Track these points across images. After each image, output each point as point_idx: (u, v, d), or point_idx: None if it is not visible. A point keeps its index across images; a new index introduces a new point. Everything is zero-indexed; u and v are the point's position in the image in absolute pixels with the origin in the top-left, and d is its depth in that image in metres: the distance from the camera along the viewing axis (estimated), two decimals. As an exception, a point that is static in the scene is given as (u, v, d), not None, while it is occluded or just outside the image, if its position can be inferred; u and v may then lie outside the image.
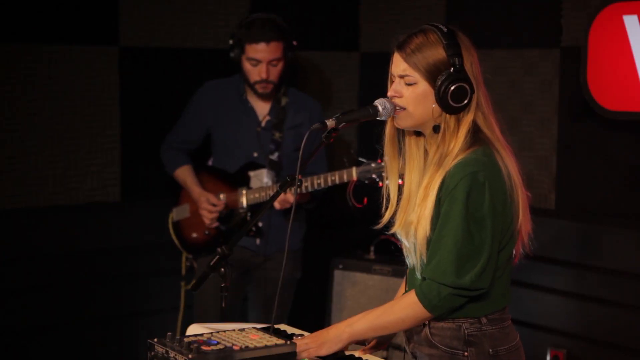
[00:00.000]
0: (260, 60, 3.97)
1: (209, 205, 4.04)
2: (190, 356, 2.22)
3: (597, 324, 4.05)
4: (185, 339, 2.33)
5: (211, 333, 2.43)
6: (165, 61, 4.46)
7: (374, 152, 2.58)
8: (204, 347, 2.27)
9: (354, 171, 3.76)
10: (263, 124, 4.11)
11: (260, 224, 4.07)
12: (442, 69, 2.36)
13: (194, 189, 4.11)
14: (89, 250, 4.33)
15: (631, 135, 3.91)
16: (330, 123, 2.42)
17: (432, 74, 2.37)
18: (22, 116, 4.10)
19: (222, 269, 2.61)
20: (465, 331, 2.41)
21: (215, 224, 4.07)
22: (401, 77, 2.41)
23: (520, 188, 2.40)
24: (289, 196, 3.92)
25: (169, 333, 2.34)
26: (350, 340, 2.44)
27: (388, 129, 2.50)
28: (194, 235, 4.17)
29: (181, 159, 4.19)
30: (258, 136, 4.10)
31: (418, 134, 2.48)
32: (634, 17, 3.69)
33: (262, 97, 4.08)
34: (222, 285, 2.63)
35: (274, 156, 4.08)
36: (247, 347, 2.31)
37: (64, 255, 4.26)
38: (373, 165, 3.71)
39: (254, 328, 2.50)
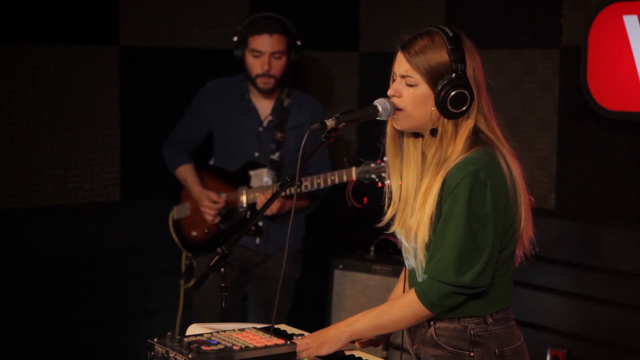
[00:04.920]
0: (263, 51, 3.98)
1: (209, 202, 4.05)
2: (190, 356, 2.22)
3: (597, 324, 4.05)
4: (185, 339, 2.33)
5: (211, 333, 2.43)
6: (165, 61, 4.46)
7: (374, 152, 2.59)
8: (204, 347, 2.27)
9: (354, 171, 3.76)
10: (265, 123, 4.12)
11: (260, 224, 4.08)
12: (444, 73, 2.36)
13: (195, 187, 4.11)
14: (89, 250, 4.33)
15: (631, 135, 3.91)
16: (329, 123, 2.42)
17: (433, 78, 2.37)
18: (22, 116, 4.10)
19: (222, 269, 2.62)
20: (472, 331, 2.41)
21: (218, 219, 4.08)
22: (403, 77, 2.41)
23: (524, 192, 2.40)
24: (276, 202, 3.92)
25: (169, 333, 2.34)
26: (350, 339, 2.45)
27: (389, 129, 2.50)
28: (194, 233, 4.18)
29: (182, 157, 4.20)
30: (259, 136, 4.10)
31: (416, 135, 2.48)
32: (634, 17, 3.69)
33: (263, 93, 4.07)
34: (222, 285, 2.63)
35: (275, 156, 4.08)
36: (247, 347, 2.31)
37: (64, 255, 4.26)
38: (372, 165, 3.71)
39: (254, 328, 2.50)
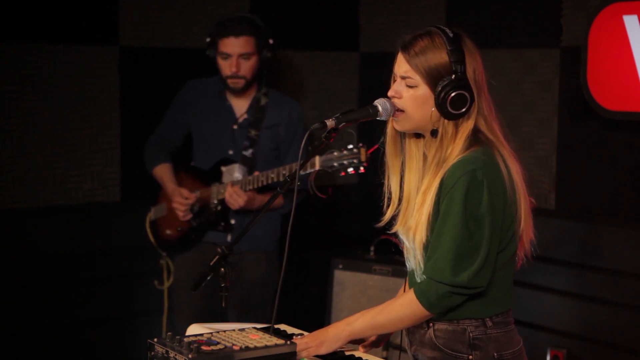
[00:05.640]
0: (230, 53, 3.97)
1: (181, 198, 4.04)
2: (190, 356, 2.22)
3: (597, 324, 4.05)
4: (185, 339, 2.33)
5: (211, 333, 2.43)
6: (165, 61, 4.46)
7: (373, 152, 2.58)
8: (204, 347, 2.27)
9: (317, 160, 3.71)
10: (240, 121, 4.10)
11: (232, 221, 4.04)
12: (444, 74, 2.35)
13: (169, 185, 4.10)
14: (89, 250, 4.33)
15: (631, 135, 3.91)
16: (330, 123, 2.42)
17: (433, 79, 2.36)
18: (22, 116, 4.10)
19: (222, 269, 2.62)
20: (470, 334, 2.40)
21: (189, 216, 4.06)
22: (403, 78, 2.41)
23: (524, 194, 2.39)
24: (238, 190, 3.89)
25: (169, 333, 2.34)
26: (349, 338, 2.44)
27: (390, 128, 2.50)
28: (168, 232, 4.17)
29: (161, 157, 4.18)
30: (233, 134, 4.09)
31: (418, 135, 2.48)
32: (634, 17, 3.69)
33: (234, 93, 4.05)
34: (222, 285, 2.63)
35: (248, 152, 4.05)
36: (247, 347, 2.31)
37: (64, 255, 4.26)
38: (336, 153, 3.63)
39: (254, 328, 2.50)
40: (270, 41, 4.07)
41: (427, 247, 2.36)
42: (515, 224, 2.39)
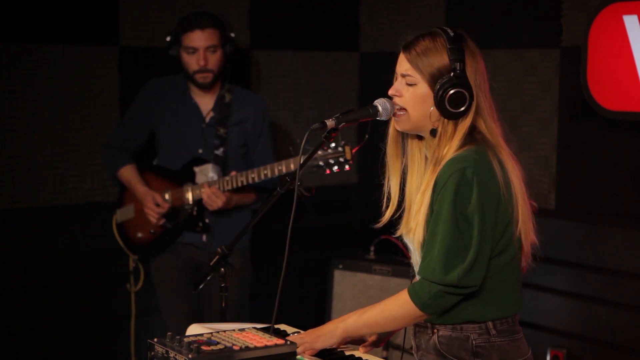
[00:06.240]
0: (197, 47, 3.96)
1: (153, 205, 4.00)
2: (190, 356, 2.22)
3: (597, 324, 4.05)
4: (185, 339, 2.33)
5: (211, 333, 2.43)
6: (165, 61, 4.45)
7: (373, 152, 2.59)
8: (204, 347, 2.27)
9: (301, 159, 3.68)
10: (207, 119, 4.08)
11: (207, 220, 4.03)
12: (444, 74, 2.36)
13: (139, 188, 4.06)
14: (89, 250, 4.33)
15: (631, 135, 3.92)
16: (330, 123, 2.42)
17: (433, 78, 2.37)
18: (22, 116, 4.10)
19: (222, 269, 2.62)
20: (474, 342, 2.39)
21: (162, 221, 4.04)
22: (403, 76, 2.41)
23: (522, 195, 2.38)
24: (216, 191, 3.88)
25: (169, 333, 2.34)
26: (344, 335, 2.44)
27: (391, 129, 2.50)
28: (140, 235, 4.13)
29: (124, 158, 4.14)
30: (203, 132, 4.07)
31: (420, 137, 2.48)
32: (634, 17, 3.69)
33: (203, 88, 4.03)
34: (222, 285, 2.63)
35: (219, 151, 4.03)
36: (247, 347, 2.31)
37: (64, 255, 4.26)
38: (319, 152, 3.61)
39: (254, 328, 2.50)
40: (232, 35, 4.06)
41: (424, 247, 2.36)
42: (512, 225, 2.37)
